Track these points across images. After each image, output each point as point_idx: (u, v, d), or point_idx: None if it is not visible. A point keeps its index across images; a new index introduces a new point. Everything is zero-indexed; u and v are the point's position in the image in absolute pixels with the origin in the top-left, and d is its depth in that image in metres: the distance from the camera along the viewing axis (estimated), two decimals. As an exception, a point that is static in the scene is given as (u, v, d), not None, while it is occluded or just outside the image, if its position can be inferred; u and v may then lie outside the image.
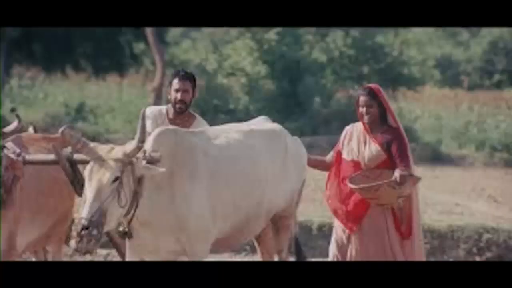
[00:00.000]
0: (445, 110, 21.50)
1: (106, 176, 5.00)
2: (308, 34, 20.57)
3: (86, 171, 5.08)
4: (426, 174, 15.44)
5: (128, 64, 23.41)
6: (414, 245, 6.06)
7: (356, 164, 6.03)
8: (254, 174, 5.78)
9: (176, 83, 6.00)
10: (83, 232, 4.88)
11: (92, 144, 5.13)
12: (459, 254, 9.30)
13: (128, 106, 20.16)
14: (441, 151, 18.63)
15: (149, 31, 19.98)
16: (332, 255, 6.07)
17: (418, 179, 5.93)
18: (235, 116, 19.53)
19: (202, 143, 5.55)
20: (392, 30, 22.11)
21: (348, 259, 5.99)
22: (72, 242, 5.19)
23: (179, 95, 5.98)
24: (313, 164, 6.30)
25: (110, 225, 5.05)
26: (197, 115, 6.22)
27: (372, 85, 6.14)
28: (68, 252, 7.07)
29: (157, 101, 20.51)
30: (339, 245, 6.04)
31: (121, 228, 5.29)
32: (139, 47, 22.89)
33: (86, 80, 22.58)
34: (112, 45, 23.01)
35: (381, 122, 5.99)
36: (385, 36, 21.63)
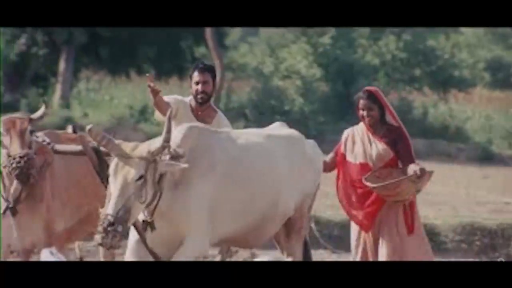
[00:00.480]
0: (496, 111, 21.54)
1: (131, 173, 4.96)
2: (361, 38, 20.90)
3: (111, 168, 5.04)
4: (477, 173, 15.57)
5: (189, 68, 22.77)
6: (418, 238, 6.00)
7: (363, 166, 5.98)
8: (271, 176, 5.71)
9: (196, 75, 5.93)
10: (109, 228, 4.87)
11: (117, 141, 5.07)
12: (510, 252, 9.37)
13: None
14: (491, 151, 18.80)
15: (209, 36, 20.21)
16: (353, 254, 6.05)
17: (431, 173, 5.84)
18: (290, 117, 19.58)
19: (222, 143, 5.50)
20: (443, 34, 22.18)
21: (364, 257, 5.94)
22: (97, 237, 5.06)
23: (199, 87, 5.93)
24: None
25: (132, 220, 5.03)
26: (218, 110, 6.16)
27: (371, 88, 6.12)
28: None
29: (216, 101, 20.57)
30: (357, 245, 6.00)
31: (144, 219, 5.23)
32: (199, 51, 22.85)
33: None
34: (174, 50, 22.90)
35: (382, 122, 5.95)
36: (437, 40, 21.79)
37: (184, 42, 22.92)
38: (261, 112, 20.50)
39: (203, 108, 5.98)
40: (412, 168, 5.67)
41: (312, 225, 9.93)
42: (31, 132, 5.60)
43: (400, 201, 5.88)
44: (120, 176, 4.93)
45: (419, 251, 5.93)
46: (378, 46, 20.91)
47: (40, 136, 5.67)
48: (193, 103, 5.97)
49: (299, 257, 5.95)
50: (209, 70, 5.98)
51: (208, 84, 5.93)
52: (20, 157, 5.45)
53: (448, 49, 21.82)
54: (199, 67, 5.96)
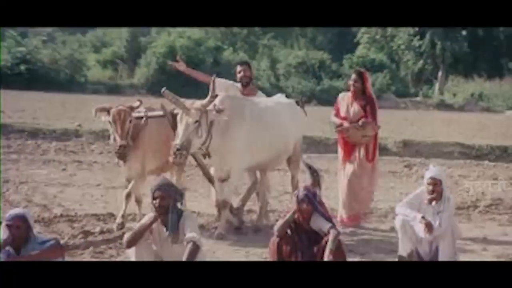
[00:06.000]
0: None
1: (190, 119, 6.57)
2: None
3: (178, 116, 6.69)
4: None
5: (508, 71, 32.82)
6: (376, 166, 7.88)
7: (345, 119, 7.67)
8: (282, 127, 7.42)
9: (238, 67, 7.92)
10: (177, 152, 6.46)
11: (181, 100, 6.60)
12: None
13: (507, 93, 29.71)
14: None
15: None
16: (339, 165, 7.95)
17: (378, 127, 7.51)
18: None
19: (249, 105, 7.20)
20: None
21: (352, 167, 7.75)
22: (170, 158, 6.60)
23: (241, 74, 7.84)
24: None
25: (194, 148, 6.70)
26: (258, 90, 8.01)
27: (361, 69, 7.82)
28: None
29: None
30: (343, 161, 7.89)
31: (203, 152, 6.94)
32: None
33: (484, 80, 31.87)
34: (494, 60, 31.76)
35: (362, 93, 7.55)
36: None
37: (503, 59, 33.51)
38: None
39: (246, 89, 7.81)
40: (361, 121, 7.40)
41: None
42: (130, 121, 7.04)
43: (354, 141, 7.61)
44: (184, 120, 6.61)
45: (374, 172, 7.85)
46: None
47: (141, 110, 7.19)
48: (240, 87, 7.84)
49: (297, 173, 7.92)
50: (245, 64, 7.97)
51: (246, 72, 7.85)
52: (119, 146, 6.95)
53: None
54: (239, 63, 8.01)
